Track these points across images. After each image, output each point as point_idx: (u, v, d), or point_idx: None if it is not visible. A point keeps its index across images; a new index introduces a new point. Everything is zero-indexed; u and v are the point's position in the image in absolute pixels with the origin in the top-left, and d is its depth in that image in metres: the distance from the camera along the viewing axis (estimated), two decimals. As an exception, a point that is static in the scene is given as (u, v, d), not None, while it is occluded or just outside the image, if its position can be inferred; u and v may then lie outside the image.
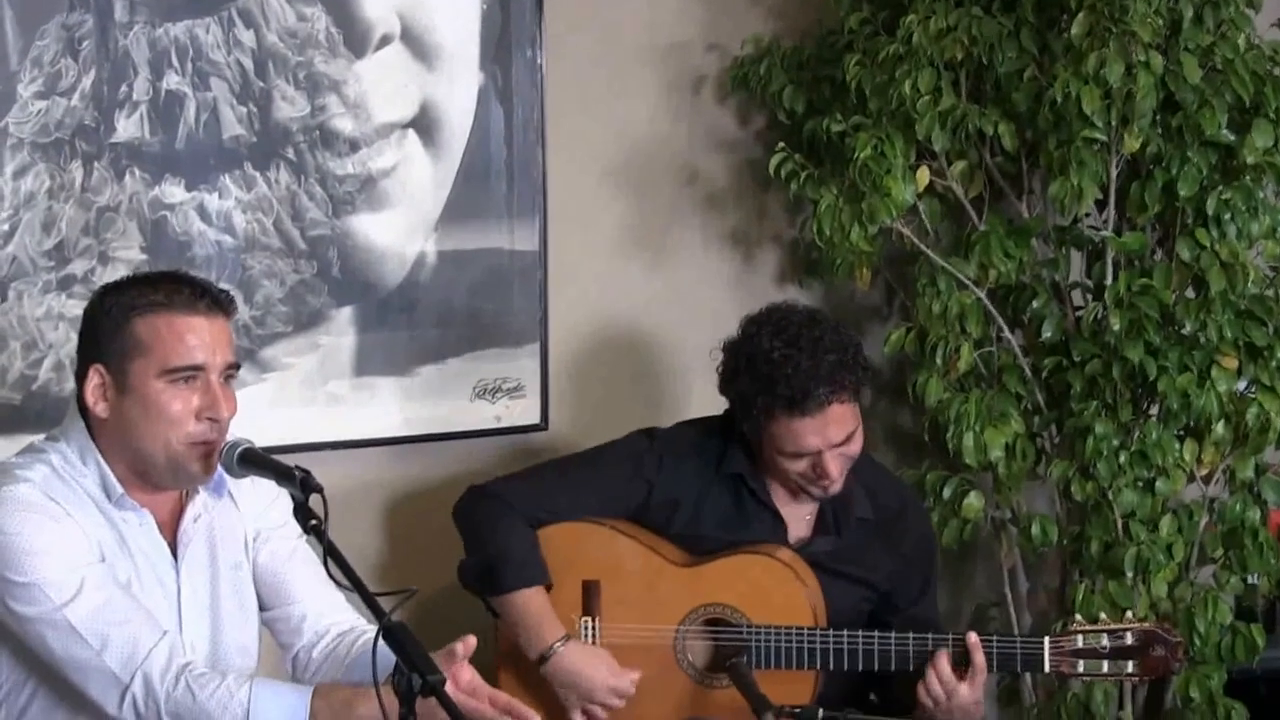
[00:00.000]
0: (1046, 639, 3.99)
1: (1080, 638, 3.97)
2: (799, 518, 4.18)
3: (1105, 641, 3.96)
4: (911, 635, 3.98)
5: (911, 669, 3.97)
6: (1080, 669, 3.98)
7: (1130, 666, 3.97)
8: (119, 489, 3.25)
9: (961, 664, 3.95)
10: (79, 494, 3.24)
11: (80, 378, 3.27)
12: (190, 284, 3.29)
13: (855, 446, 4.08)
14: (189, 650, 3.31)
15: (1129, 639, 3.96)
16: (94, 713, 3.19)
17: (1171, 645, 3.96)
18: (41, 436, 3.36)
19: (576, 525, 4.13)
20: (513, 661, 4.14)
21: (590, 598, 4.11)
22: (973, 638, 3.95)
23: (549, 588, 4.10)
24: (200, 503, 3.38)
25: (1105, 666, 3.97)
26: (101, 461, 3.26)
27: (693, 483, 4.15)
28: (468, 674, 3.07)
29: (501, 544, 4.07)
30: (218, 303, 3.27)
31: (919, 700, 3.95)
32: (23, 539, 3.15)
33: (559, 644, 4.03)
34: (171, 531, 3.34)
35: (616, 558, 4.11)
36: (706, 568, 4.09)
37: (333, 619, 3.45)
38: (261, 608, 3.48)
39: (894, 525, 4.24)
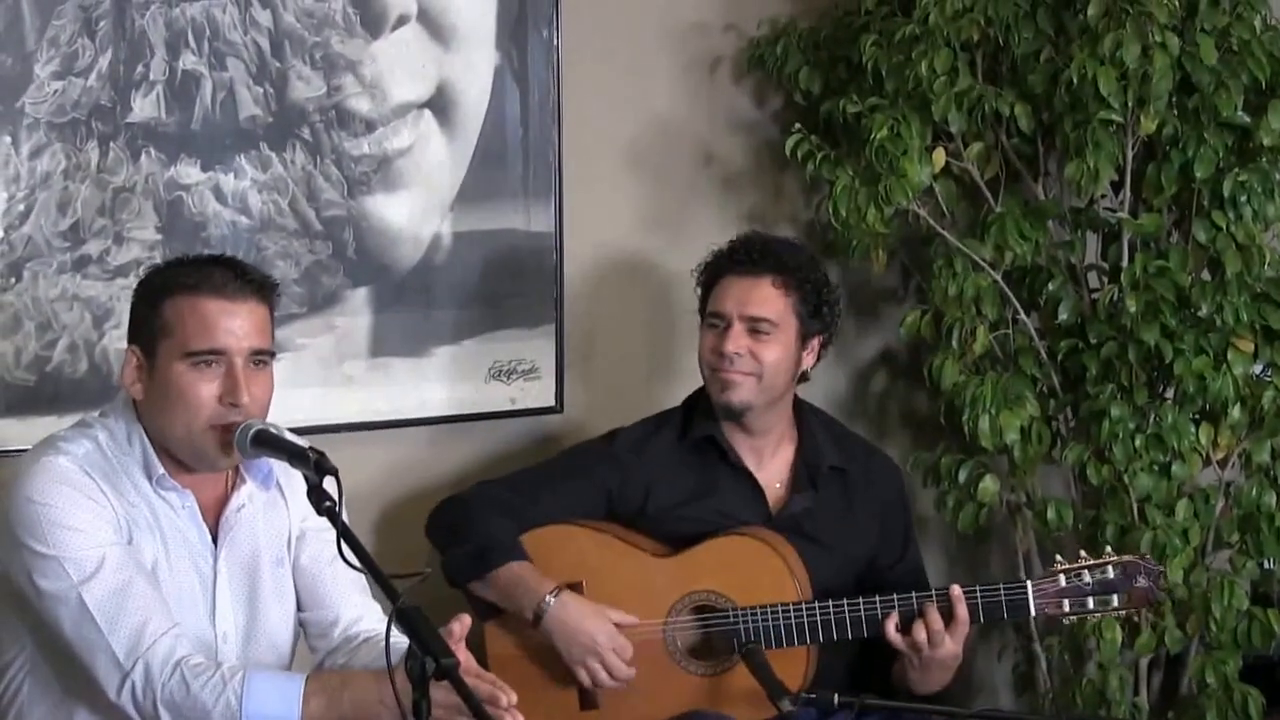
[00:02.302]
0: (1029, 582, 4.00)
1: (1062, 577, 3.97)
2: (772, 478, 4.21)
3: (1087, 578, 3.97)
4: (896, 596, 3.97)
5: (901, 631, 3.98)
6: (1066, 608, 3.98)
7: (1115, 600, 3.97)
8: (159, 469, 3.27)
9: (948, 618, 3.96)
10: (119, 472, 3.27)
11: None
12: (224, 267, 3.29)
13: (767, 345, 4.11)
14: (220, 639, 3.33)
15: (1110, 573, 3.97)
16: (107, 710, 3.19)
17: (1154, 574, 3.98)
18: (97, 412, 3.39)
19: (552, 529, 4.12)
20: (506, 666, 4.02)
21: None
22: (955, 590, 3.96)
23: None
24: (246, 493, 3.38)
25: (1091, 603, 3.98)
26: (146, 442, 3.28)
27: (660, 460, 4.19)
28: (462, 655, 3.05)
29: (484, 530, 4.05)
30: (250, 287, 3.27)
31: (902, 651, 3.96)
32: (54, 511, 3.17)
33: (551, 596, 3.98)
34: (215, 517, 3.36)
35: (595, 557, 4.09)
36: (685, 556, 4.08)
37: (363, 626, 3.44)
38: (298, 608, 3.48)
39: (865, 474, 4.28)
